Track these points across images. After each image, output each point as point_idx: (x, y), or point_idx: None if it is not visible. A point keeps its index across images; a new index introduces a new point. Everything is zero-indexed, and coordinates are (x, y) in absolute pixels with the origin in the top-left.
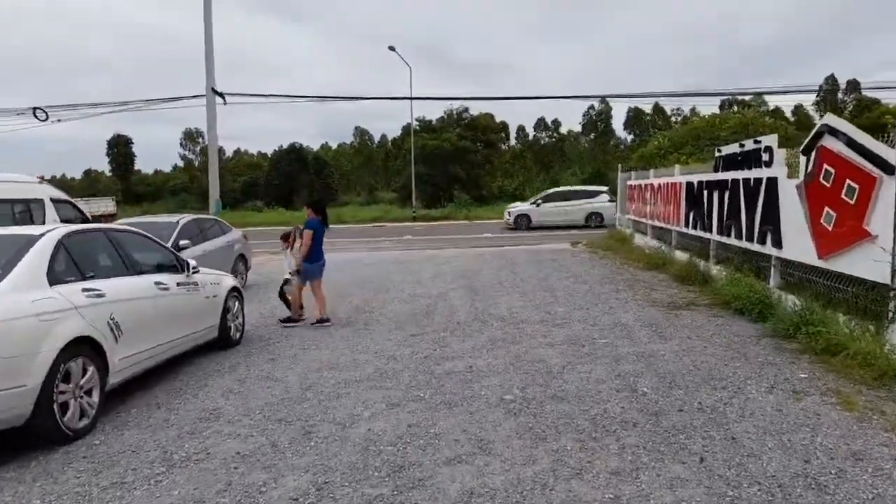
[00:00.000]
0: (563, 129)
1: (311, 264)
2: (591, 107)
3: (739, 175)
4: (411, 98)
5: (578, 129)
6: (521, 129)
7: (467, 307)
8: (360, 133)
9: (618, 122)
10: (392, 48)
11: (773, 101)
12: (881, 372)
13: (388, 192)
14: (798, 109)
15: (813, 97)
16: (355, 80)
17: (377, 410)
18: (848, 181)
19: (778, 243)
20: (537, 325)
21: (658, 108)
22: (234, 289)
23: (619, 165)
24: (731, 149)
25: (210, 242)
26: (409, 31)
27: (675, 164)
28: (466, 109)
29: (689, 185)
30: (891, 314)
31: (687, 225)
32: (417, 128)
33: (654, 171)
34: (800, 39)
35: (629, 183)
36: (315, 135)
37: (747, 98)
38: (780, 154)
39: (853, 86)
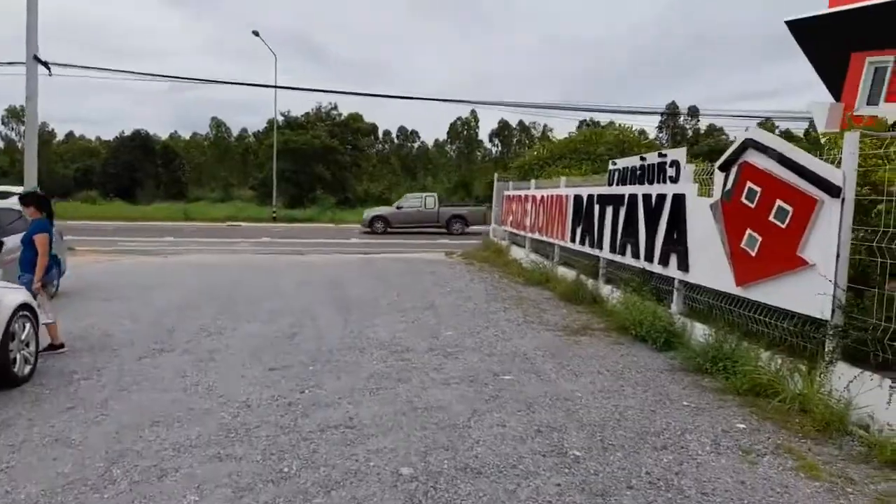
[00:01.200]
0: (429, 138)
1: (46, 275)
2: (459, 118)
3: (639, 190)
4: (275, 87)
5: (443, 136)
6: (387, 133)
7: (340, 329)
8: (217, 125)
9: (484, 133)
10: (256, 33)
11: (621, 121)
12: (823, 421)
13: (246, 189)
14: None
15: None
16: (216, 69)
17: (217, 502)
18: (779, 202)
19: (684, 266)
20: (426, 354)
21: (522, 124)
22: (22, 306)
23: (496, 175)
24: (629, 162)
25: (9, 239)
26: (278, 21)
27: (559, 176)
28: (335, 107)
29: (578, 198)
30: (829, 355)
31: (573, 240)
32: (281, 122)
33: (534, 181)
34: (650, 66)
35: (507, 193)
36: (166, 124)
37: (604, 115)
38: (689, 169)
39: (693, 111)
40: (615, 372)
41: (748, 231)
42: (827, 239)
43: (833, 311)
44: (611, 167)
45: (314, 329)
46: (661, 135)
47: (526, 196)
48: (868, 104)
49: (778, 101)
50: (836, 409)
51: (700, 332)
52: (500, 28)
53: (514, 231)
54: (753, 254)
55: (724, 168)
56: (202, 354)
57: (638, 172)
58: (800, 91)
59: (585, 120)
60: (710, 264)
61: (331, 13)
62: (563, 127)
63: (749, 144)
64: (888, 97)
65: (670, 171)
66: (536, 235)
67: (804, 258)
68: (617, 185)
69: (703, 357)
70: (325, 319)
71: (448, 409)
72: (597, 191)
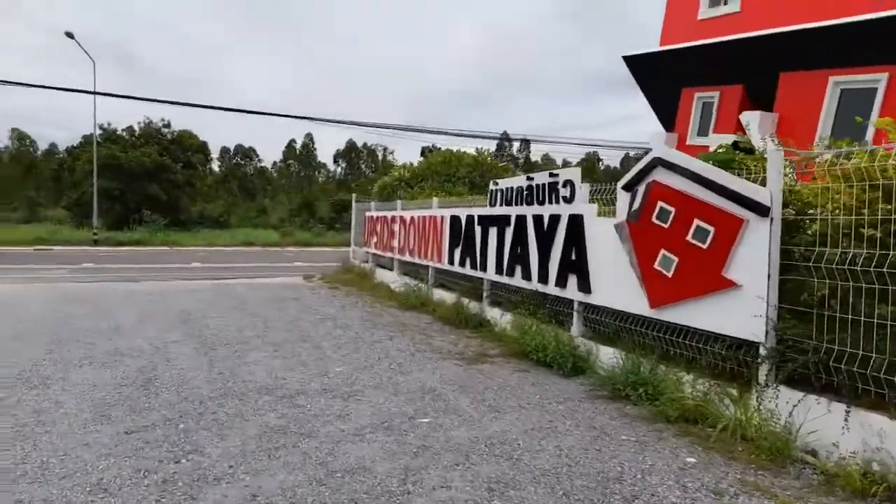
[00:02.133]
0: (269, 158)
1: None
2: (293, 140)
3: (529, 211)
4: (94, 93)
5: (279, 157)
6: (225, 150)
7: (206, 371)
8: (19, 136)
9: (323, 154)
10: (70, 35)
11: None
12: (770, 450)
13: (58, 209)
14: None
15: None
16: (25, 75)
17: None
18: (698, 222)
19: (585, 288)
20: (321, 397)
21: (367, 147)
22: None
23: (354, 196)
24: (514, 182)
25: None
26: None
27: (426, 197)
28: (168, 124)
29: (456, 219)
30: (765, 378)
31: (451, 262)
32: (100, 136)
33: (400, 202)
34: (475, 93)
35: (369, 214)
36: None
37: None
38: (585, 189)
39: (525, 143)
40: (536, 404)
41: (662, 252)
42: (756, 259)
43: (767, 332)
44: (492, 187)
45: (173, 373)
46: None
47: (393, 217)
48: (699, 135)
49: (601, 133)
50: (779, 436)
51: (607, 355)
52: (339, 49)
53: (380, 253)
54: (669, 275)
55: (629, 188)
56: (26, 415)
57: (525, 193)
58: (616, 124)
59: (429, 146)
60: (617, 286)
61: (154, 24)
62: (406, 153)
63: (657, 163)
64: (716, 128)
65: (564, 192)
66: (407, 258)
67: (730, 279)
68: (501, 205)
69: (619, 382)
70: (183, 360)
71: (373, 471)
72: (478, 211)
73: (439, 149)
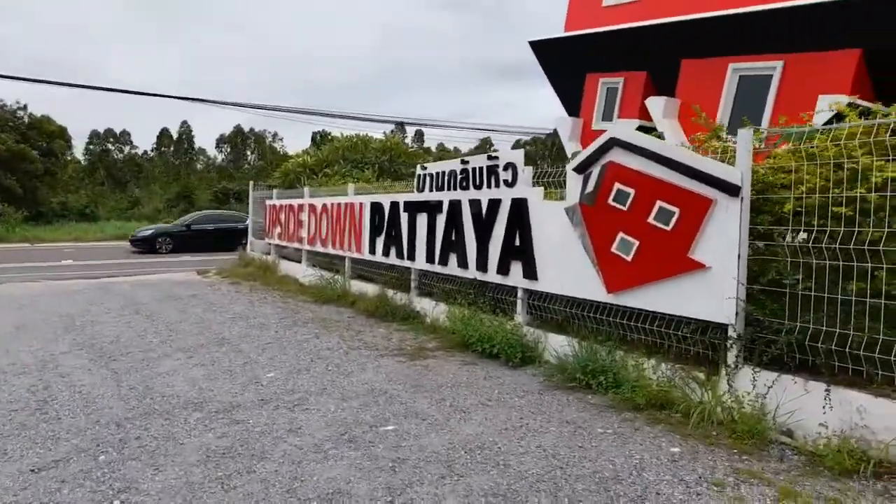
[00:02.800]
0: (141, 144)
1: None
2: (165, 128)
3: (464, 196)
4: None
5: (152, 144)
6: (95, 134)
7: (113, 387)
8: None
9: (203, 141)
10: None
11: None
12: (751, 432)
13: None
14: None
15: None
16: None
17: None
18: (661, 204)
19: (531, 275)
20: (261, 409)
21: (254, 132)
22: None
23: (251, 183)
24: (445, 166)
25: None
26: None
27: (336, 184)
28: (24, 107)
29: (377, 206)
30: (735, 360)
31: (373, 252)
32: None
33: (308, 189)
34: (365, 84)
35: (271, 203)
36: None
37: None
38: (528, 172)
39: (419, 134)
40: (497, 400)
41: (621, 235)
42: (725, 240)
43: (737, 313)
44: (420, 172)
45: (73, 391)
46: (407, 148)
47: (301, 205)
48: (603, 120)
49: (491, 119)
50: (754, 417)
51: (558, 343)
52: (227, 38)
53: (285, 244)
54: (629, 259)
55: (581, 170)
56: None
57: (459, 177)
58: (504, 110)
59: (320, 131)
60: (567, 272)
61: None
62: (298, 140)
63: (614, 144)
64: (621, 114)
65: (504, 175)
66: (319, 248)
67: (698, 260)
68: (431, 191)
69: (576, 370)
70: (82, 374)
71: (353, 494)
72: (403, 198)
73: (330, 135)
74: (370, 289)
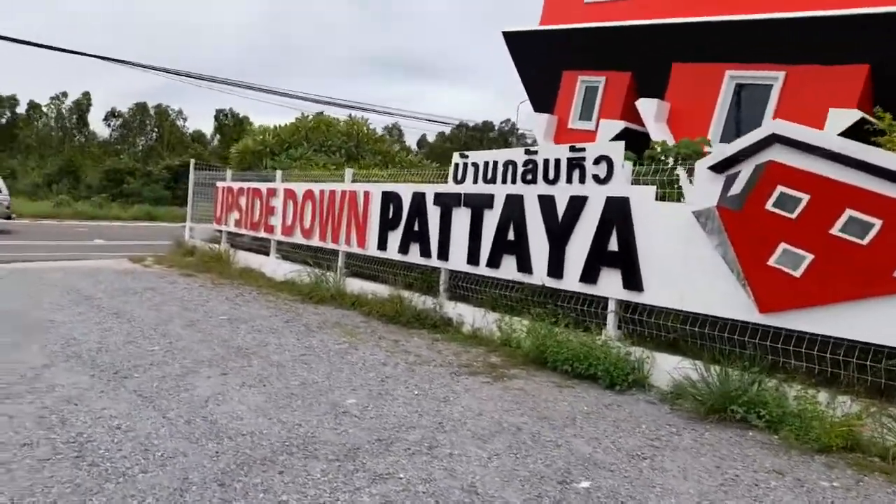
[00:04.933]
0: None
1: None
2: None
3: (530, 191)
4: None
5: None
6: None
7: (163, 422)
8: None
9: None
10: None
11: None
12: None
13: None
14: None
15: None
16: None
17: None
18: (852, 213)
19: (633, 285)
20: (389, 453)
21: (143, 108)
22: None
23: (193, 161)
24: (498, 155)
25: None
26: None
27: (306, 167)
28: None
29: (392, 196)
30: None
31: (383, 248)
32: None
33: (280, 173)
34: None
35: (224, 185)
36: None
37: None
38: (628, 168)
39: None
40: (660, 439)
41: (784, 246)
42: None
43: None
44: (459, 160)
45: (108, 428)
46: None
47: (272, 190)
48: (581, 119)
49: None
50: None
51: (670, 365)
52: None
53: (245, 232)
54: (797, 274)
55: (722, 168)
56: None
57: (522, 169)
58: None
59: (223, 110)
60: (690, 284)
61: None
62: (201, 120)
63: (774, 140)
64: (602, 114)
65: (595, 170)
66: (300, 240)
67: None
68: (475, 182)
69: (720, 400)
70: (101, 401)
71: None
72: (433, 189)
73: (237, 115)
74: (374, 289)
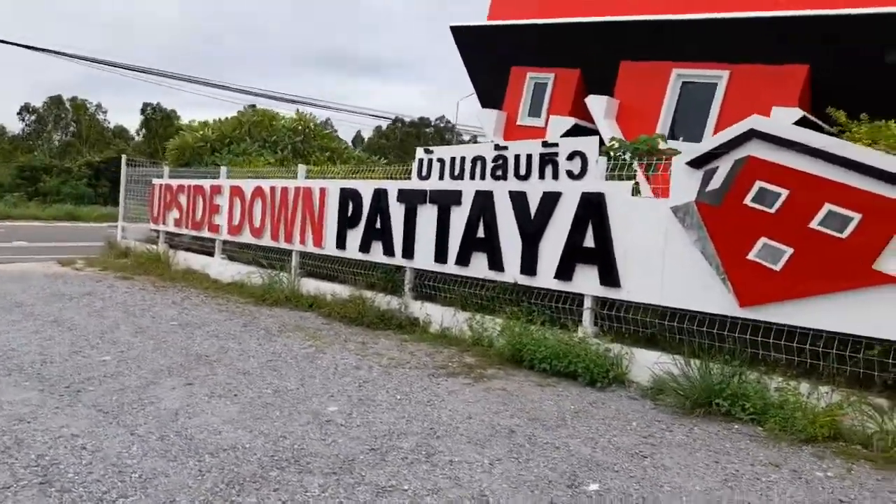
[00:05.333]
0: None
1: None
2: None
3: (500, 187)
4: None
5: None
6: None
7: (135, 441)
8: None
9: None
10: None
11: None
12: None
13: None
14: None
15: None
16: None
17: None
18: (831, 207)
19: (610, 281)
20: (386, 464)
21: (58, 101)
22: None
23: (124, 157)
24: (467, 151)
25: None
26: None
27: (255, 165)
28: None
29: (350, 193)
30: None
31: (341, 246)
32: None
33: (225, 168)
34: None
35: (162, 183)
36: None
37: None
38: (602, 164)
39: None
40: (653, 436)
41: (764, 241)
42: None
43: None
44: (423, 156)
45: (74, 449)
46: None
47: (216, 187)
48: (530, 115)
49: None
50: None
51: (649, 360)
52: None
53: (186, 232)
54: (777, 268)
55: (700, 164)
56: None
57: (491, 165)
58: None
59: (151, 104)
60: (669, 279)
61: None
62: (125, 115)
63: (753, 136)
64: (551, 110)
65: (569, 165)
66: (248, 239)
67: (889, 273)
68: (441, 178)
69: (705, 394)
70: (59, 418)
71: None
72: (396, 185)
73: (165, 109)
74: (332, 289)
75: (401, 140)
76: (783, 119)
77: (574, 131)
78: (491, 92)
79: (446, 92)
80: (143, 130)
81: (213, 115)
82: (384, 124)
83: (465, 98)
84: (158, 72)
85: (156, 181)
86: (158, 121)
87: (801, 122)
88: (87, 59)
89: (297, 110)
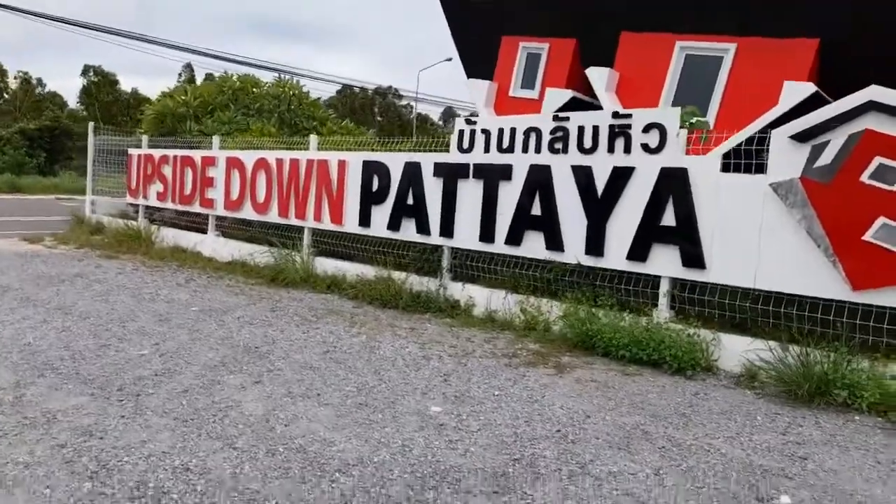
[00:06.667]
0: None
1: None
2: None
3: (560, 161)
4: None
5: None
6: None
7: (244, 459)
8: None
9: None
10: None
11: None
12: None
13: None
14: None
15: None
16: None
17: None
18: None
19: (693, 262)
20: (549, 481)
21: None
22: None
23: (91, 125)
24: (517, 122)
25: None
26: None
27: (245, 134)
28: None
29: (375, 166)
30: None
31: (365, 224)
32: None
33: (217, 138)
34: None
35: (141, 153)
36: None
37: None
38: (682, 137)
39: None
40: (798, 435)
41: (882, 220)
42: None
43: None
44: (465, 126)
45: (177, 474)
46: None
47: (209, 158)
48: (523, 87)
49: None
50: None
51: (740, 347)
52: None
53: (169, 207)
54: None
55: (806, 137)
56: None
57: (549, 137)
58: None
59: (93, 66)
60: (766, 261)
61: None
62: (63, 80)
63: (871, 108)
64: (546, 82)
65: (644, 138)
66: (250, 215)
67: None
68: (486, 151)
69: (822, 382)
70: (134, 431)
71: None
72: (432, 158)
73: (105, 73)
74: (353, 269)
75: (352, 110)
76: (795, 94)
77: (572, 104)
78: (479, 62)
79: (393, 62)
80: (83, 95)
81: (154, 83)
82: (329, 92)
83: (426, 69)
84: (108, 28)
85: (134, 151)
86: (100, 85)
87: (813, 98)
88: (22, 11)
89: (279, 76)
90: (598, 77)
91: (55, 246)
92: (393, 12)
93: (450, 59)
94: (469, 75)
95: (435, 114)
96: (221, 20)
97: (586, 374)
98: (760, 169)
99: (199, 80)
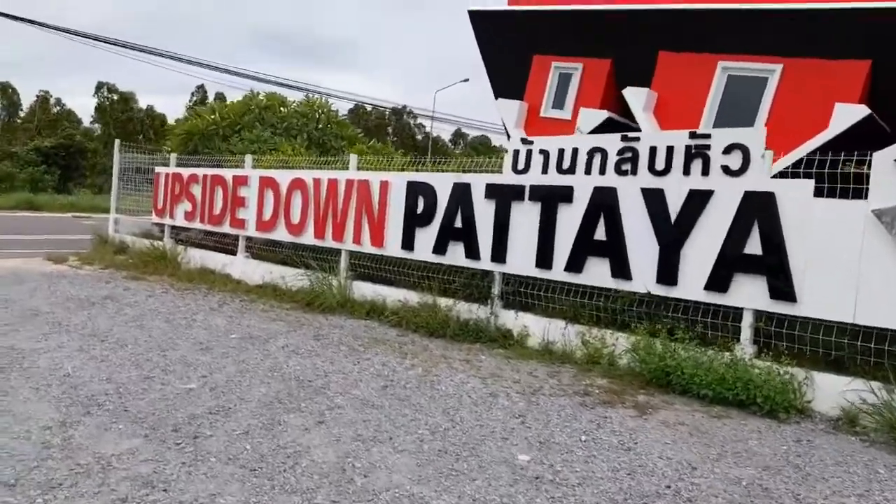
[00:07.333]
0: None
1: None
2: None
3: (628, 183)
4: None
5: None
6: None
7: None
8: None
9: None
10: None
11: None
12: None
13: None
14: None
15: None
16: None
17: None
18: None
19: (782, 294)
20: None
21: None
22: None
23: (118, 142)
24: (579, 142)
25: None
26: None
27: (275, 154)
28: None
29: (421, 187)
30: None
31: (408, 247)
32: None
33: (250, 157)
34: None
35: (170, 172)
36: None
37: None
38: (768, 158)
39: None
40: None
41: None
42: None
43: None
44: (521, 146)
45: None
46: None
47: (241, 177)
48: (554, 108)
49: None
50: None
51: (836, 388)
52: None
53: (198, 227)
54: None
55: None
56: None
57: (616, 158)
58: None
59: (106, 83)
60: (868, 294)
61: None
62: (76, 98)
63: None
64: (579, 102)
65: (724, 160)
66: (283, 236)
67: None
68: (544, 172)
69: None
70: (190, 486)
71: None
72: (483, 179)
73: (120, 91)
74: (396, 294)
75: (366, 129)
76: (847, 117)
77: (607, 125)
78: (508, 81)
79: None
80: (96, 113)
81: (164, 100)
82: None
83: (442, 90)
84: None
85: (161, 169)
86: (115, 103)
87: (866, 121)
88: (40, 24)
89: (307, 95)
90: (636, 97)
91: (80, 266)
92: (396, 31)
93: (466, 80)
94: (497, 95)
95: (445, 134)
96: (228, 37)
97: (671, 415)
98: (819, 192)
99: (210, 98)
